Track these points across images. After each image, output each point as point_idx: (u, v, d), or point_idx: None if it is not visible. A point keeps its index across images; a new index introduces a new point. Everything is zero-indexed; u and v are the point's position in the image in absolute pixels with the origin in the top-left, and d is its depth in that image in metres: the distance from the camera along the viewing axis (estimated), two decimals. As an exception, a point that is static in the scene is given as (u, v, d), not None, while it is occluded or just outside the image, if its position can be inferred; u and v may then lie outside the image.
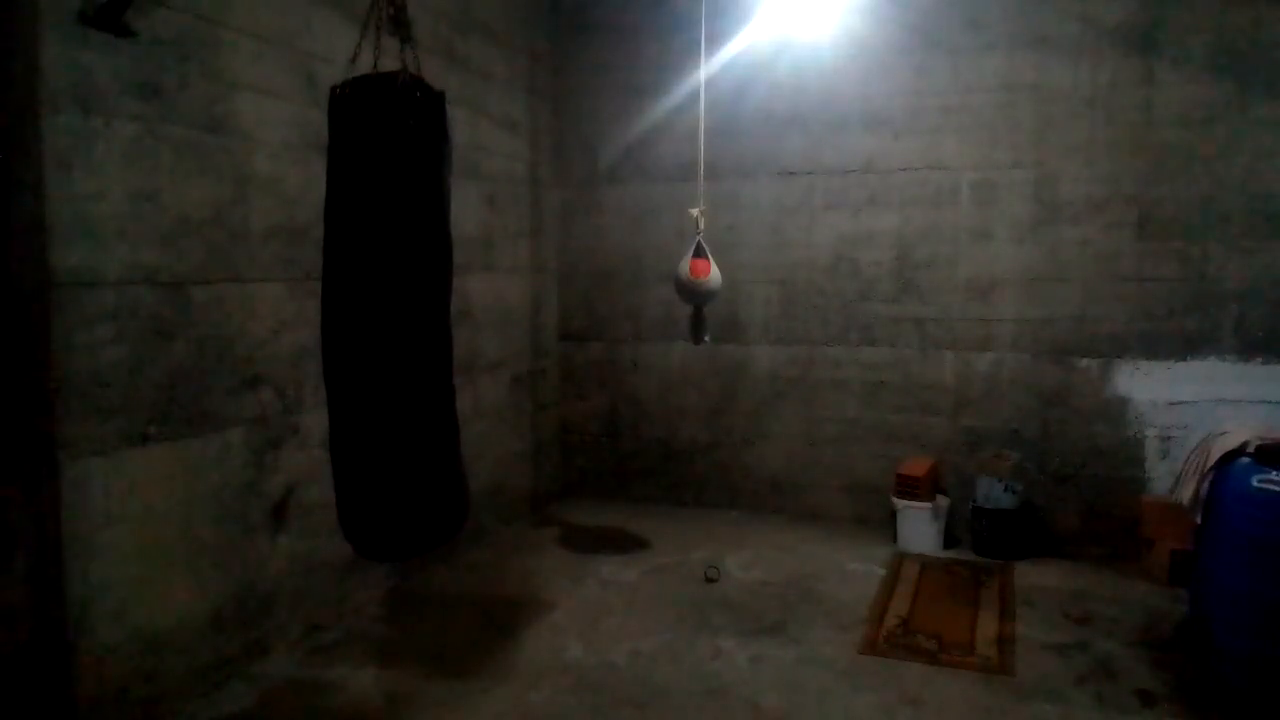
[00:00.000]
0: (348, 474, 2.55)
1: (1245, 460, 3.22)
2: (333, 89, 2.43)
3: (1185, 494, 3.62)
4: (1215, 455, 3.41)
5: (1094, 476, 4.75)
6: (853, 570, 4.49)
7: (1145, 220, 4.62)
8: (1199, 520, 3.51)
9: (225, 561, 3.23)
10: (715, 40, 4.84)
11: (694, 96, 4.59)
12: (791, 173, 5.26)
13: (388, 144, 2.37)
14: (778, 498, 5.44)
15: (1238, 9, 4.40)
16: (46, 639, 2.62)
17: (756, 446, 5.47)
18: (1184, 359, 4.58)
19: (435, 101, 2.46)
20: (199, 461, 3.10)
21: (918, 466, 4.82)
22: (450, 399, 2.63)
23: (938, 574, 4.46)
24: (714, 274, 4.39)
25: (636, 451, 5.75)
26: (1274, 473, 3.06)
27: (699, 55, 4.45)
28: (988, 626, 3.80)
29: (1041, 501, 4.82)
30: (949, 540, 4.82)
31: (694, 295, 4.44)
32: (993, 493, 4.64)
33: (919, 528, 4.76)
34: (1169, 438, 4.59)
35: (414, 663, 3.45)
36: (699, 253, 4.36)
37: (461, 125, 4.42)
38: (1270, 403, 4.39)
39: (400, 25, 2.43)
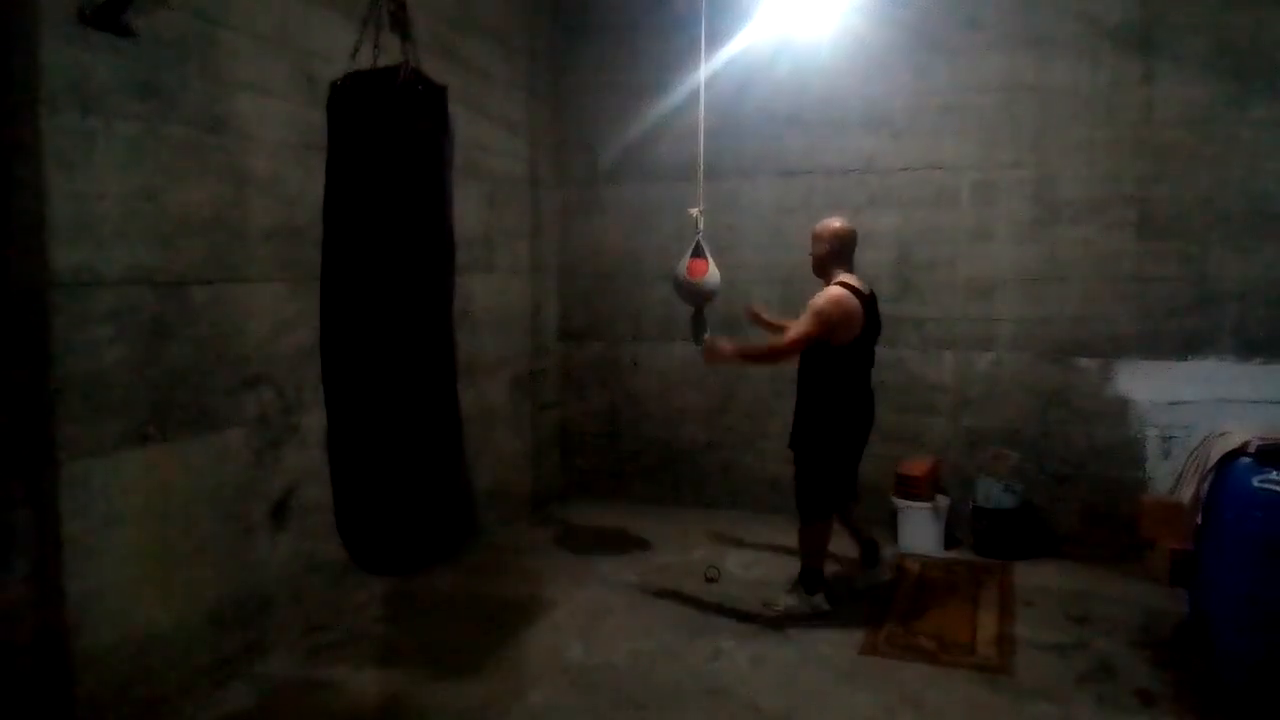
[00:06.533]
0: (347, 482, 2.48)
1: (1245, 460, 3.22)
2: (332, 83, 2.41)
3: (1185, 494, 3.62)
4: (1215, 455, 3.41)
5: (1094, 476, 4.75)
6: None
7: (1145, 220, 4.61)
8: (1199, 520, 3.51)
9: (225, 561, 3.23)
10: (715, 40, 4.83)
11: (694, 96, 4.58)
12: (791, 173, 5.26)
13: (389, 139, 2.34)
14: (778, 497, 5.42)
15: (1238, 9, 4.40)
16: (46, 639, 2.62)
17: (756, 446, 5.46)
18: (1184, 359, 4.58)
19: (437, 96, 2.44)
20: (199, 461, 3.10)
21: (918, 466, 4.81)
22: (454, 405, 2.55)
23: (938, 574, 4.46)
24: (712, 274, 4.38)
25: (636, 451, 5.74)
26: (1274, 473, 3.05)
27: (699, 55, 4.44)
28: (988, 626, 3.80)
29: (1041, 501, 4.82)
30: (949, 540, 4.81)
31: (693, 295, 4.43)
32: (993, 493, 4.64)
33: (919, 528, 4.75)
34: (1169, 438, 4.59)
35: (414, 663, 3.45)
36: (697, 252, 4.36)
37: (462, 125, 4.36)
38: (1270, 403, 4.38)
39: (400, 22, 2.42)
